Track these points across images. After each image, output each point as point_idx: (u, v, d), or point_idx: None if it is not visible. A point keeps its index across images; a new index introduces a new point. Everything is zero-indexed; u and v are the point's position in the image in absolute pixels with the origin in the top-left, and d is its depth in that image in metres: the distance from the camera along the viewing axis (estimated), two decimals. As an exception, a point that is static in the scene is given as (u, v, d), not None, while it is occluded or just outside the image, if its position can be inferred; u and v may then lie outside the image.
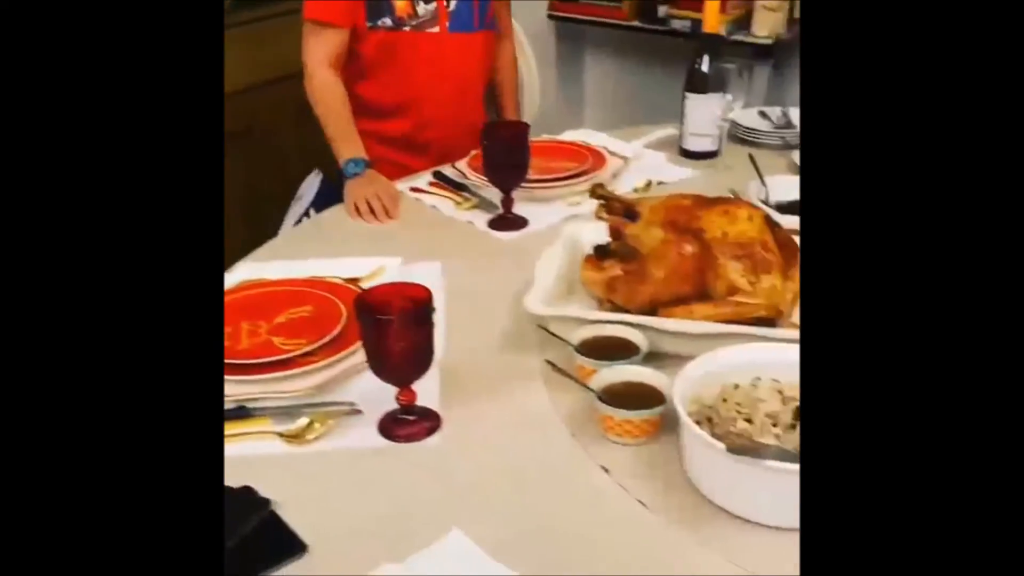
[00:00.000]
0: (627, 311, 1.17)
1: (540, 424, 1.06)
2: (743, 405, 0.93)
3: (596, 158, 1.78)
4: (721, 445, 0.83)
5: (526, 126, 1.59)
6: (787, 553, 0.84)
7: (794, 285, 1.14)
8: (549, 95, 2.84)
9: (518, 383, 1.13)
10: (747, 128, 1.97)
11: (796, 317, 1.19)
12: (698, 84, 1.80)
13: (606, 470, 0.97)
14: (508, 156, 1.51)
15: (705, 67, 1.78)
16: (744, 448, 0.82)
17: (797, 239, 1.25)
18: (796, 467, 0.82)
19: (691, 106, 1.83)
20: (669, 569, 0.85)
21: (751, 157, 1.67)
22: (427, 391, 1.07)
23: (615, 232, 1.23)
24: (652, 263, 1.15)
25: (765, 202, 1.56)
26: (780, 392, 0.94)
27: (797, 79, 2.51)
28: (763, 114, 2.05)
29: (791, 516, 0.86)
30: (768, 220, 1.17)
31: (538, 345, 1.18)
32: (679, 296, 1.15)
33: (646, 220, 1.19)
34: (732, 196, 1.36)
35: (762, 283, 1.11)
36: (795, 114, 2.03)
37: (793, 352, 1.00)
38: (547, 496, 0.95)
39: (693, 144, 1.87)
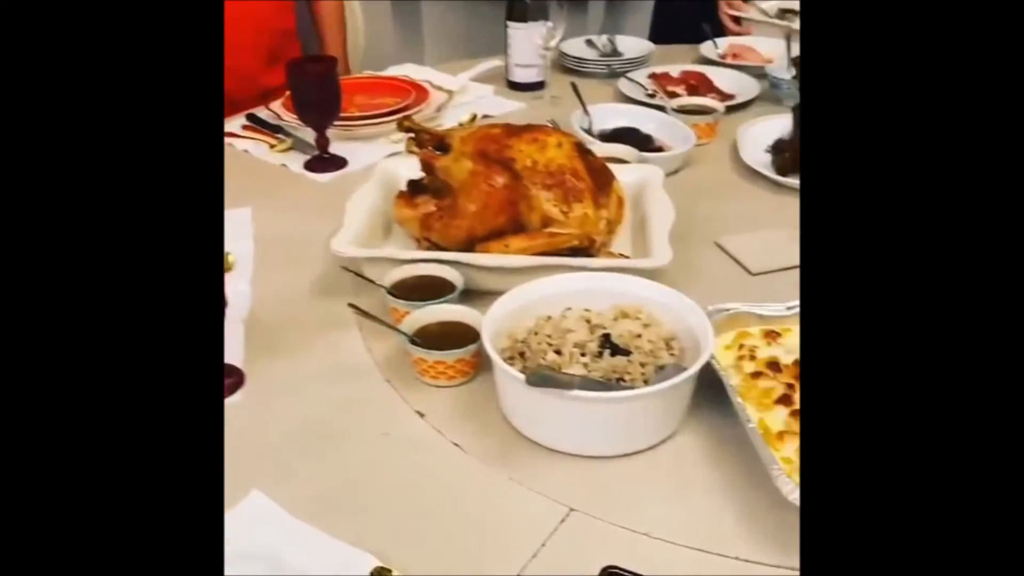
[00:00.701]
0: (446, 249, 1.12)
1: (353, 373, 1.01)
2: (552, 337, 0.91)
3: (420, 93, 1.71)
4: (522, 377, 0.81)
5: (334, 60, 1.50)
6: (596, 481, 0.84)
7: (607, 212, 1.12)
8: (386, 33, 2.73)
9: (331, 332, 1.07)
10: (574, 58, 1.94)
11: (614, 246, 1.18)
12: (518, 13, 1.76)
13: (421, 415, 0.94)
14: (317, 93, 1.42)
15: None
16: (543, 379, 0.80)
17: (612, 166, 1.24)
18: (597, 395, 0.82)
19: (513, 36, 1.79)
20: (481, 508, 0.82)
21: (573, 86, 1.65)
22: (229, 346, 1.00)
23: (427, 166, 1.18)
24: (464, 197, 1.11)
25: (588, 131, 1.54)
26: (588, 321, 0.93)
27: (631, 9, 2.49)
28: (590, 43, 2.03)
29: (598, 444, 0.86)
30: (579, 147, 1.14)
31: (352, 290, 1.12)
32: (495, 229, 1.12)
33: (456, 152, 1.14)
34: (548, 125, 1.33)
35: (574, 212, 1.09)
36: (621, 42, 2.02)
37: (604, 279, 1.00)
38: (358, 449, 0.91)
39: (518, 75, 1.83)
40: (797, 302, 0.98)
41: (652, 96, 1.74)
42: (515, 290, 0.97)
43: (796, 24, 2.03)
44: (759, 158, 1.47)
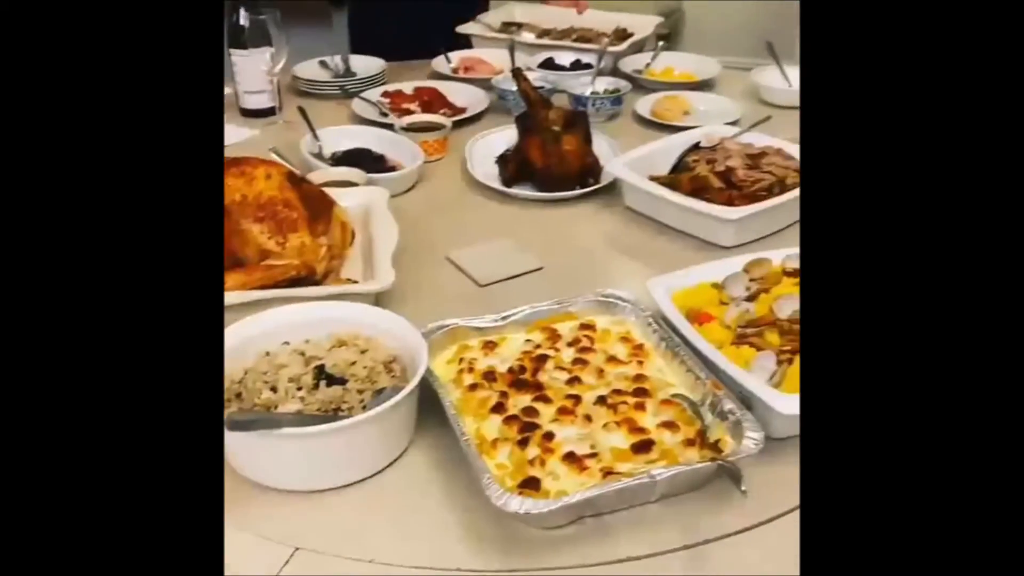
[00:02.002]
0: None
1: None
2: (268, 373, 0.89)
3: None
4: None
5: None
6: (324, 515, 0.83)
7: (327, 239, 1.11)
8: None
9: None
10: (306, 80, 1.92)
11: (344, 271, 1.17)
12: (238, 39, 1.71)
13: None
14: None
15: (243, 20, 1.69)
16: (246, 422, 0.78)
17: (336, 190, 1.23)
18: (306, 429, 0.81)
19: (238, 64, 1.74)
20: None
21: (301, 110, 1.62)
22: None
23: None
24: (172, 237, 1.06)
25: (319, 155, 1.53)
26: (302, 354, 0.91)
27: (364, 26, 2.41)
28: (324, 64, 2.01)
29: (321, 478, 0.85)
30: (290, 176, 1.13)
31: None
32: (212, 268, 1.07)
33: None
34: (273, 154, 1.30)
35: (290, 242, 1.07)
36: (355, 61, 2.01)
37: (323, 308, 0.99)
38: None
39: (249, 102, 1.79)
40: (511, 311, 1.03)
41: (385, 115, 1.75)
42: (231, 328, 0.94)
43: (519, 36, 2.12)
44: (489, 170, 1.51)
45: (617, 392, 0.91)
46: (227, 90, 1.83)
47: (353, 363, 0.90)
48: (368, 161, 1.51)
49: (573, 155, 1.44)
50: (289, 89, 1.92)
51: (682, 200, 1.29)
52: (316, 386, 0.88)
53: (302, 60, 1.99)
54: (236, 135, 1.71)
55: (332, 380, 0.88)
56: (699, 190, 1.33)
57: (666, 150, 1.47)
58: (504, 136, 1.59)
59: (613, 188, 1.44)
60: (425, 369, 0.88)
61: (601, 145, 1.53)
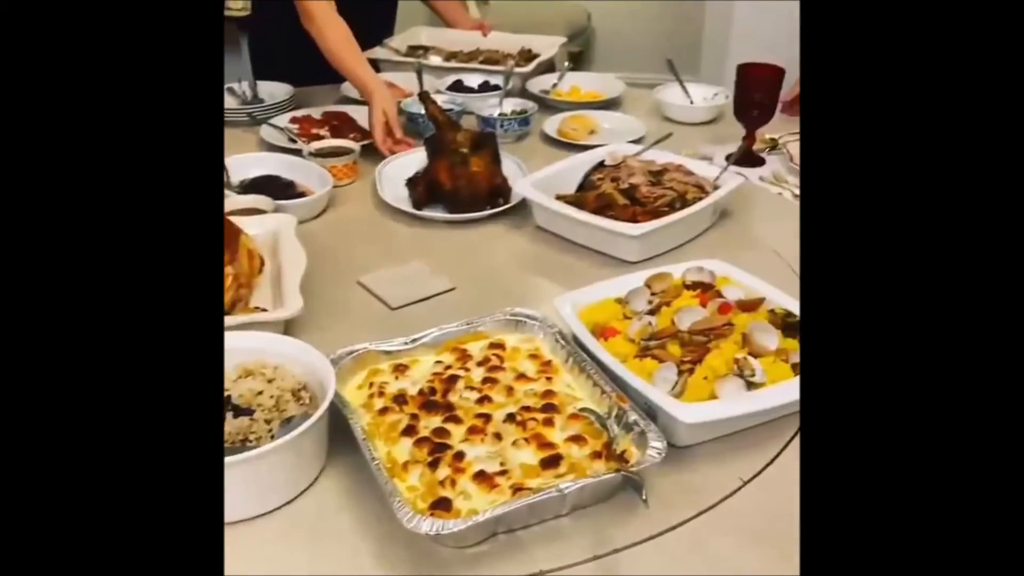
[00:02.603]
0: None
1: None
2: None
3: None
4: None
5: None
6: (236, 548, 0.82)
7: (233, 268, 1.10)
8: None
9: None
10: None
11: (255, 300, 1.16)
12: None
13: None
14: None
15: None
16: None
17: (243, 219, 1.22)
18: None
19: None
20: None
21: (206, 138, 1.60)
22: None
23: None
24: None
25: (226, 184, 1.51)
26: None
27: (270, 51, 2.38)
28: (231, 91, 1.99)
29: (231, 510, 0.83)
30: (193, 206, 1.11)
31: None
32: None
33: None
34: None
35: (195, 273, 1.06)
36: (263, 88, 1.99)
37: (230, 339, 0.97)
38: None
39: None
40: (421, 333, 1.03)
41: (294, 141, 1.74)
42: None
43: (426, 59, 2.13)
44: (399, 193, 1.52)
45: (526, 409, 0.92)
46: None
47: (260, 393, 0.89)
48: (277, 188, 1.50)
49: (481, 176, 1.46)
50: (196, 116, 1.90)
51: (588, 218, 1.32)
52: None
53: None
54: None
55: (239, 411, 0.88)
56: (604, 207, 1.36)
57: (573, 169, 1.50)
58: (414, 159, 1.60)
59: (524, 208, 1.47)
60: (333, 395, 0.88)
61: (509, 165, 1.56)
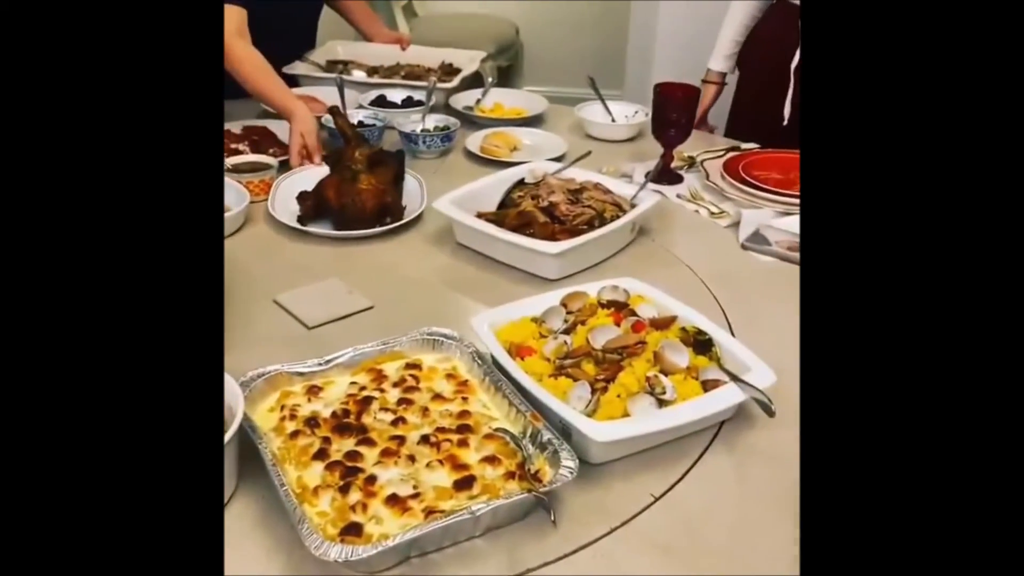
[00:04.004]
0: None
1: None
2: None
3: None
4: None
5: None
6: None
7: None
8: None
9: None
10: None
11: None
12: None
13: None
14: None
15: None
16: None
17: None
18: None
19: None
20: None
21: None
22: None
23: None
24: None
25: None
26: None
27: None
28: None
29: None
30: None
31: None
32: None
33: None
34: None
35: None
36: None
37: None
38: None
39: None
40: (335, 354, 1.02)
41: (212, 156, 1.71)
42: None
43: (349, 75, 2.12)
44: (294, 208, 1.49)
45: (441, 430, 0.92)
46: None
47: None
48: (191, 204, 1.47)
49: (368, 194, 1.45)
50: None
51: (507, 236, 1.33)
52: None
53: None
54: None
55: (144, 438, 0.85)
56: (524, 225, 1.37)
57: (493, 185, 1.51)
58: (314, 174, 1.58)
59: (444, 224, 1.46)
60: (241, 419, 0.86)
61: (410, 182, 1.56)
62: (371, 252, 1.43)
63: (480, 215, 1.42)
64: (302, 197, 1.49)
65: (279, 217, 1.46)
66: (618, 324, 1.07)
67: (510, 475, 0.87)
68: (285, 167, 1.64)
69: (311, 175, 1.57)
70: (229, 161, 1.59)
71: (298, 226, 1.44)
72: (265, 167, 1.58)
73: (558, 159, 1.69)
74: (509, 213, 1.41)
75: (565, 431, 0.91)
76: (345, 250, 1.43)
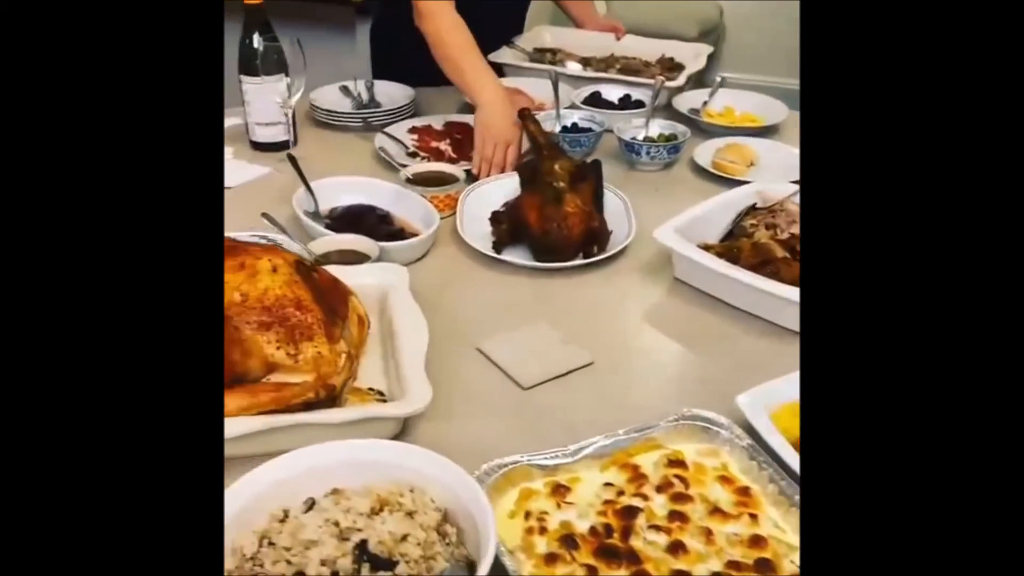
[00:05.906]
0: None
1: None
2: (292, 550, 0.69)
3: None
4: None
5: None
6: None
7: (345, 343, 0.91)
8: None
9: None
10: (324, 111, 1.69)
11: (363, 374, 0.97)
12: (251, 65, 1.52)
13: None
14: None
15: (256, 44, 1.50)
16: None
17: (346, 269, 1.03)
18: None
19: (249, 92, 1.55)
20: None
21: (290, 158, 1.41)
22: None
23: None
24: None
25: (314, 214, 1.32)
26: (336, 524, 0.71)
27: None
28: (345, 90, 1.78)
29: None
30: (298, 266, 0.92)
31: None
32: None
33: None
34: (261, 240, 1.09)
35: (304, 353, 0.87)
36: (380, 88, 1.78)
37: (352, 450, 0.78)
38: None
39: (260, 135, 1.59)
40: (582, 443, 0.84)
41: (414, 156, 1.54)
42: (237, 485, 0.73)
43: (563, 67, 1.86)
44: (486, 229, 1.31)
45: (734, 565, 0.72)
46: (237, 120, 1.64)
47: (404, 537, 0.70)
48: (372, 220, 1.31)
49: (575, 219, 1.23)
50: (307, 118, 1.71)
51: (745, 276, 1.11)
52: (357, 572, 0.68)
53: (321, 78, 1.74)
54: (247, 173, 1.52)
55: (377, 563, 0.68)
56: (764, 263, 1.15)
57: (718, 211, 1.29)
58: (502, 188, 1.39)
59: (656, 253, 1.26)
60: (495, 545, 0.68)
61: (610, 201, 1.35)
62: (574, 286, 1.23)
63: (704, 247, 1.20)
64: (496, 219, 1.30)
65: (471, 242, 1.28)
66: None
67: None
68: (470, 176, 1.46)
69: (498, 189, 1.39)
70: (408, 171, 1.41)
71: (493, 254, 1.26)
72: (451, 179, 1.40)
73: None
74: (743, 246, 1.19)
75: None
76: (544, 282, 1.24)
